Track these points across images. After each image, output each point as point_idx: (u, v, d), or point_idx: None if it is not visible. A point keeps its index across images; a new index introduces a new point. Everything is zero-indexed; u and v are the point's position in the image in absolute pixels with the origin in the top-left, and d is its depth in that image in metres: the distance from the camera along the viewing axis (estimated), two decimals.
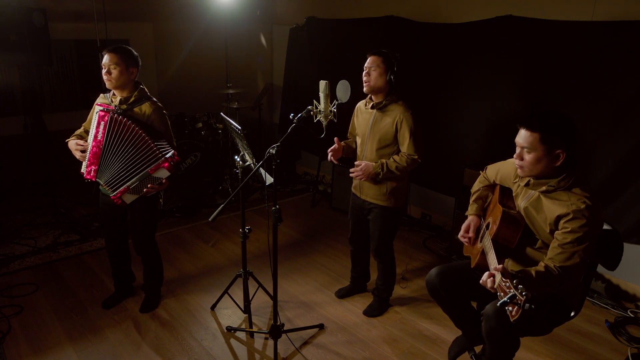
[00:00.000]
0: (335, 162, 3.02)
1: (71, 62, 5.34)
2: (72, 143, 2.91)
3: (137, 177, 2.80)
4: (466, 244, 2.43)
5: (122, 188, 2.82)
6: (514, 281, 1.75)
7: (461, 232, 2.43)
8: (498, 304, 1.75)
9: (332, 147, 2.96)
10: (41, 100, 5.15)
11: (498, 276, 1.83)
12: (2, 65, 4.80)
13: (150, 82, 5.88)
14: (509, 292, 1.73)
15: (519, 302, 1.69)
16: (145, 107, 2.87)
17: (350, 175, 3.00)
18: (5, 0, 4.12)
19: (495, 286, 1.84)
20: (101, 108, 2.82)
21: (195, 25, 5.93)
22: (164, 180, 2.82)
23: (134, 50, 2.88)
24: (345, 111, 3.11)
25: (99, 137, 2.79)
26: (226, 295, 3.26)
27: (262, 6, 6.08)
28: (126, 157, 2.78)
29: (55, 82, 5.33)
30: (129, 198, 2.87)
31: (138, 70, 2.89)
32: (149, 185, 2.81)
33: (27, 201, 4.96)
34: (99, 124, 2.79)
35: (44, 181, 4.73)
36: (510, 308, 1.72)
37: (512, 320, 1.72)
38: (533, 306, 1.66)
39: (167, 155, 2.78)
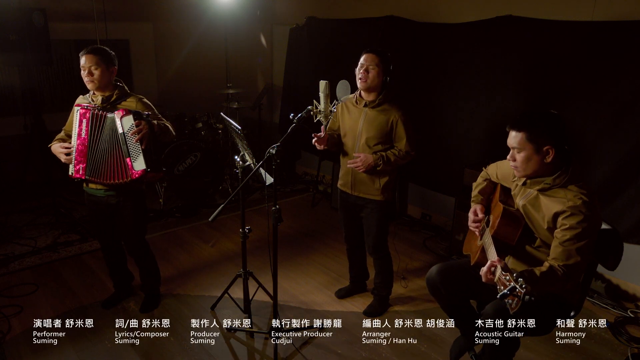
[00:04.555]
0: (319, 147, 2.97)
1: (71, 62, 5.35)
2: (57, 146, 2.88)
3: (118, 145, 2.77)
4: (476, 231, 2.40)
5: (128, 164, 2.78)
6: (514, 274, 1.78)
7: (470, 219, 2.40)
8: (498, 296, 1.78)
9: (317, 134, 2.92)
10: (41, 100, 5.14)
11: (498, 270, 1.85)
12: (2, 65, 4.80)
13: (150, 82, 5.89)
14: (509, 284, 1.75)
15: (519, 294, 1.72)
16: (131, 103, 2.86)
17: (349, 166, 2.99)
18: (5, 0, 4.12)
19: (495, 280, 1.86)
20: (85, 106, 2.81)
21: (195, 25, 5.93)
22: (135, 122, 2.72)
23: (108, 49, 2.87)
24: None
25: (83, 135, 2.80)
26: (226, 295, 3.26)
27: (262, 6, 6.08)
28: (105, 143, 2.78)
29: (55, 82, 5.33)
30: (139, 164, 2.77)
31: (116, 68, 2.88)
32: (131, 135, 2.72)
33: (27, 201, 4.96)
34: (80, 122, 2.80)
35: (44, 181, 4.73)
36: (510, 300, 1.76)
37: (511, 312, 1.76)
38: (533, 298, 1.69)
39: (110, 113, 2.76)
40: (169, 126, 2.93)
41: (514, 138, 2.05)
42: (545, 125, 2.01)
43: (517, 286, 1.73)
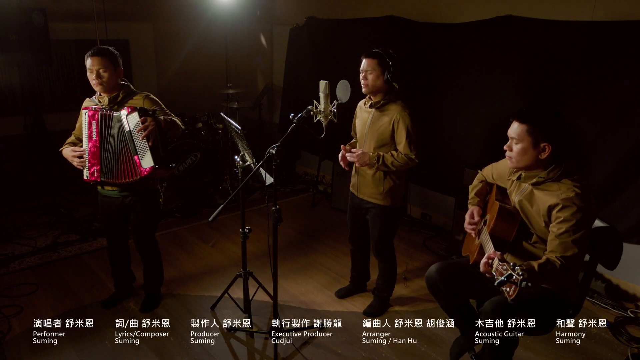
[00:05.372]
0: (347, 168, 3.06)
1: (71, 62, 5.34)
2: (68, 151, 2.89)
3: (126, 143, 2.76)
4: (472, 232, 2.41)
5: (136, 162, 2.77)
6: (511, 264, 1.80)
7: (466, 221, 2.42)
8: (495, 284, 1.79)
9: (341, 154, 3.01)
10: (41, 100, 5.15)
11: (495, 261, 1.87)
12: (2, 65, 4.80)
13: (150, 82, 5.89)
14: (506, 273, 1.77)
15: (516, 281, 1.74)
16: (139, 101, 2.87)
17: (347, 157, 3.01)
18: (5, 0, 4.12)
19: (493, 271, 1.87)
20: (93, 108, 2.82)
21: (195, 25, 5.93)
22: (140, 119, 2.72)
23: (113, 49, 2.86)
24: (345, 111, 3.11)
25: (94, 137, 2.80)
26: (226, 295, 3.26)
27: (262, 6, 6.08)
28: (114, 143, 2.79)
29: (55, 82, 5.33)
30: (147, 161, 2.76)
31: (122, 69, 2.88)
32: (137, 132, 2.72)
33: (27, 201, 4.96)
34: (90, 124, 2.80)
35: (44, 181, 4.74)
36: (507, 288, 1.78)
37: (509, 300, 1.77)
38: (530, 284, 1.71)
39: (116, 112, 2.75)
40: (177, 120, 2.93)
41: (515, 129, 2.11)
42: (548, 122, 2.05)
43: (514, 274, 1.75)
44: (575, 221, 1.97)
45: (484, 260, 1.94)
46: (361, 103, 3.10)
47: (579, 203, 1.97)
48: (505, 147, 2.17)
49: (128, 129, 2.75)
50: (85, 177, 2.88)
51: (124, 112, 2.75)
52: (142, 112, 2.74)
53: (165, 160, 2.85)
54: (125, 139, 2.77)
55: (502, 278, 1.76)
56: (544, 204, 2.07)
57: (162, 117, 2.82)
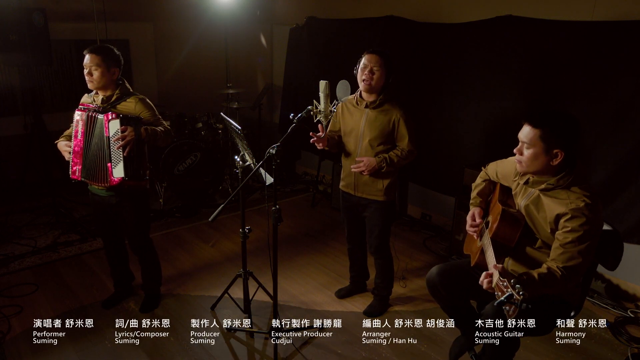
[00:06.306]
0: (318, 147, 2.92)
1: (71, 62, 5.35)
2: (62, 144, 2.90)
3: (103, 149, 2.73)
4: (474, 234, 2.38)
5: (108, 169, 2.73)
6: (512, 280, 1.76)
7: (468, 223, 2.38)
8: (495, 304, 1.76)
9: (317, 134, 2.86)
10: (41, 100, 5.15)
11: (496, 275, 1.83)
12: (2, 65, 4.80)
13: (150, 82, 5.90)
14: (507, 291, 1.73)
15: (516, 301, 1.70)
16: (131, 103, 2.84)
17: (353, 169, 2.97)
18: (5, 0, 4.12)
19: (493, 286, 1.84)
20: (82, 107, 2.81)
21: (195, 25, 5.93)
22: (120, 127, 2.67)
23: (115, 49, 2.84)
24: None
25: (79, 137, 2.80)
26: (226, 295, 3.26)
27: (262, 6, 6.08)
28: (95, 146, 2.77)
29: (55, 82, 5.33)
30: (118, 171, 2.72)
31: (120, 70, 2.86)
32: (114, 141, 2.69)
33: (27, 201, 4.96)
34: (77, 123, 2.80)
35: (44, 181, 4.74)
36: (507, 307, 1.74)
37: (508, 319, 1.76)
38: (530, 306, 1.68)
39: (100, 115, 2.71)
40: (164, 130, 2.86)
41: (527, 133, 2.02)
42: (562, 128, 1.97)
43: (515, 293, 1.70)
44: (582, 232, 1.93)
45: (483, 276, 1.90)
46: (349, 102, 3.00)
47: (588, 214, 1.93)
48: (515, 151, 2.10)
49: (107, 135, 2.71)
50: (70, 175, 2.89)
51: (106, 117, 2.69)
52: (124, 121, 2.69)
53: (137, 172, 2.78)
54: (104, 144, 2.74)
55: (502, 298, 1.72)
56: (551, 212, 2.02)
57: (143, 129, 2.73)
